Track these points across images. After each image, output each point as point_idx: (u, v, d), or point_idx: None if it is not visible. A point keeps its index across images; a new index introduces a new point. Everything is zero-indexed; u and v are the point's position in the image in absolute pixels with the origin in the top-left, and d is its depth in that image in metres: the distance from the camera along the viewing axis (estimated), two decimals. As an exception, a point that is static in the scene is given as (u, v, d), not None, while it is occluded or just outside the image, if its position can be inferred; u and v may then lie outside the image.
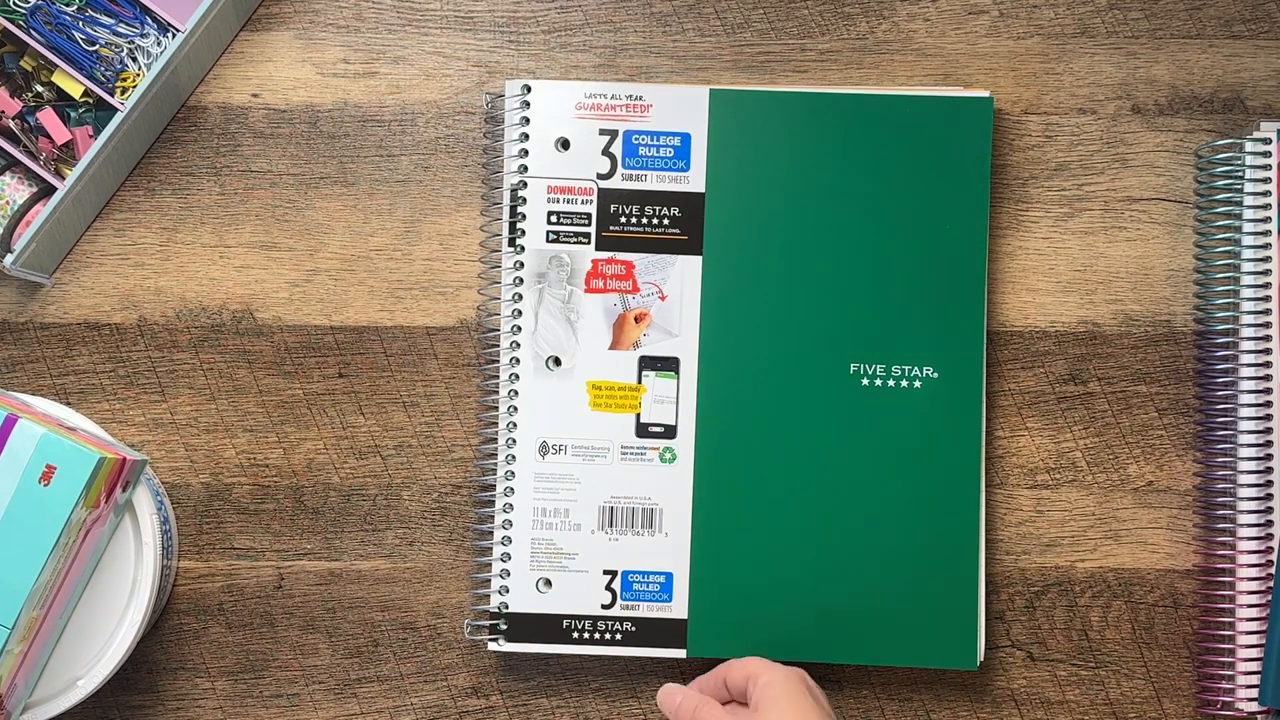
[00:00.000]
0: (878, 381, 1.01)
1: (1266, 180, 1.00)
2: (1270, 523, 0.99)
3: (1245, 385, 1.00)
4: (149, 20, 1.02)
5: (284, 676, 1.03)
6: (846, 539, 1.01)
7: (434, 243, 1.04)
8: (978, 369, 1.01)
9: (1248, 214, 1.01)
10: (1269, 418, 1.00)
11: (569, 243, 1.02)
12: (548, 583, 1.01)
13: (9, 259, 0.98)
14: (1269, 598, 0.99)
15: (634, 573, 1.01)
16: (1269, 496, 0.99)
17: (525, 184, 1.02)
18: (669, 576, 1.01)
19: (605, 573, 1.01)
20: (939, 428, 1.01)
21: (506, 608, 1.01)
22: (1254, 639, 0.99)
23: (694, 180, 1.02)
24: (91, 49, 1.02)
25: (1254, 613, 0.99)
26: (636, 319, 1.01)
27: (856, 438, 1.01)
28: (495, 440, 1.02)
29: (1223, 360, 1.01)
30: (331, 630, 1.03)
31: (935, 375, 1.01)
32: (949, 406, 1.01)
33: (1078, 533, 1.03)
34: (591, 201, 1.02)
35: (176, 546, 1.02)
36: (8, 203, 1.01)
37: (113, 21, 1.02)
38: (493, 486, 1.02)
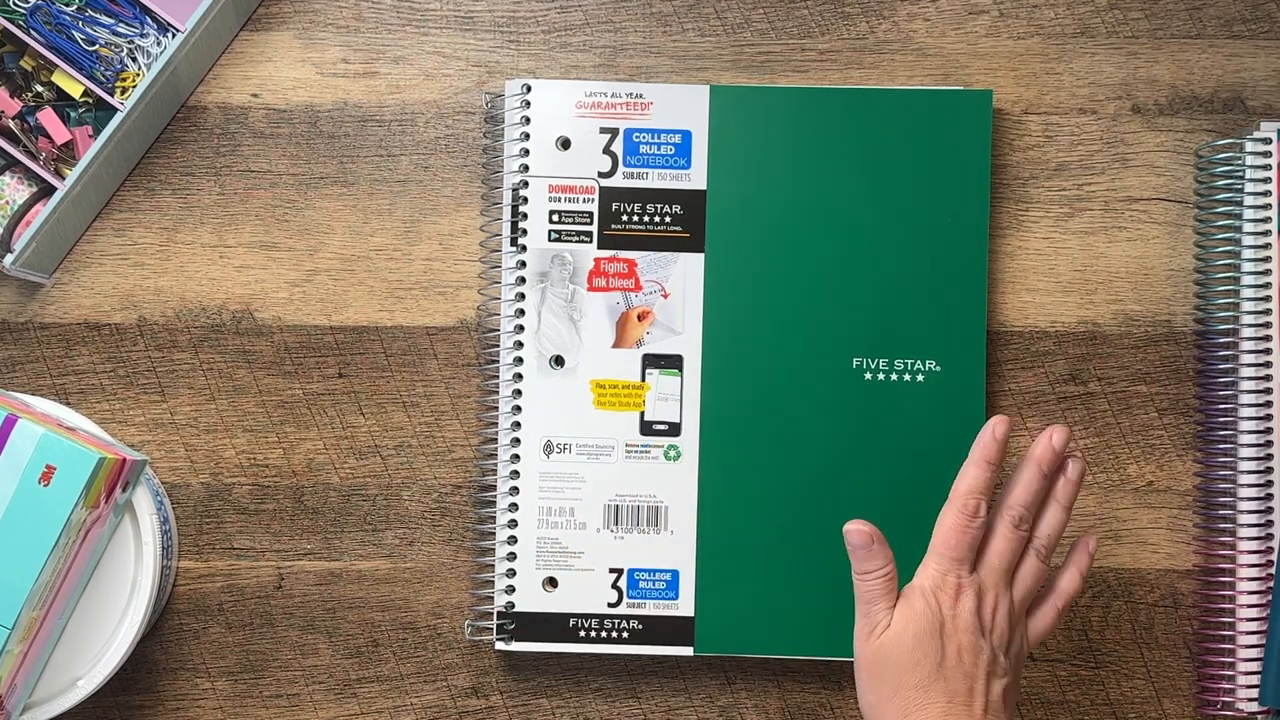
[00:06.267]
0: (880, 376, 1.01)
1: (1266, 180, 1.01)
2: (1270, 523, 1.00)
3: (1245, 385, 1.00)
4: (149, 20, 1.02)
5: (284, 676, 1.03)
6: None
7: (434, 243, 1.04)
8: (980, 360, 1.01)
9: (1248, 214, 1.01)
10: (1269, 418, 1.00)
11: (571, 241, 1.02)
12: (553, 582, 1.01)
13: (9, 259, 0.98)
14: (1269, 598, 0.99)
15: (640, 571, 1.01)
16: (1269, 496, 1.00)
17: (526, 183, 1.02)
18: (675, 574, 1.01)
19: (611, 571, 1.01)
20: (943, 420, 1.01)
21: (513, 607, 1.01)
22: (1254, 639, 0.99)
23: (695, 178, 1.02)
24: (91, 49, 1.02)
25: (1254, 613, 0.99)
26: (639, 317, 1.01)
27: (861, 432, 1.01)
28: (496, 440, 1.02)
29: (1223, 360, 1.01)
30: (331, 630, 1.03)
31: (938, 368, 1.01)
32: (952, 398, 1.01)
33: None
34: (593, 200, 1.02)
35: (176, 546, 1.02)
36: (8, 203, 1.01)
37: (113, 21, 1.02)
38: (493, 486, 1.02)
